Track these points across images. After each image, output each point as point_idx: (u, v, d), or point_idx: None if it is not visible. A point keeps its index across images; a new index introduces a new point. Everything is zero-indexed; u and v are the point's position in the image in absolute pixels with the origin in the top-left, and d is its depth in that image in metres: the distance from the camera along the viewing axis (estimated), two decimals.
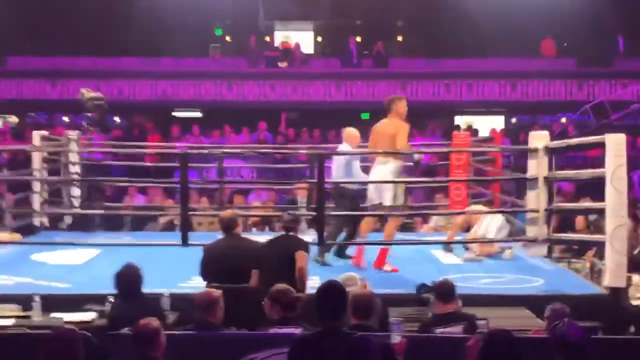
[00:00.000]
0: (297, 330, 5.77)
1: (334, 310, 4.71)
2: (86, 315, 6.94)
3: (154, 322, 5.03)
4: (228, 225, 7.24)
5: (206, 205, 13.14)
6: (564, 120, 21.00)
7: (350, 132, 9.88)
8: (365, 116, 22.22)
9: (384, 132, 8.98)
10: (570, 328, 4.75)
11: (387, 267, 8.84)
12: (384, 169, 8.84)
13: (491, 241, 9.56)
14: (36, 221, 11.65)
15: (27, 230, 11.53)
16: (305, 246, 7.38)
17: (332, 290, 4.84)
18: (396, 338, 5.25)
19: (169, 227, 12.35)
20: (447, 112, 21.72)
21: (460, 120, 21.73)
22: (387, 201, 8.80)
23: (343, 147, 9.83)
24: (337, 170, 9.57)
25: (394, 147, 8.76)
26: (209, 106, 21.87)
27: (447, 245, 9.99)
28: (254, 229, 12.70)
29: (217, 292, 6.00)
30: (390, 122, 9.01)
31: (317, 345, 4.65)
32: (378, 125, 9.19)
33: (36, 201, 11.70)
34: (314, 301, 4.84)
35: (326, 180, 9.14)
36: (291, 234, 7.50)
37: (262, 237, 9.18)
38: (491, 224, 9.69)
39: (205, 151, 12.20)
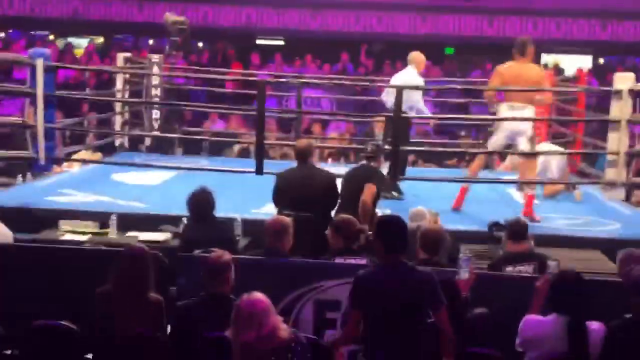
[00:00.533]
0: (362, 261, 5.80)
1: (393, 244, 4.70)
2: (160, 235, 7.08)
3: (226, 256, 5.06)
4: (302, 154, 7.23)
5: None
6: None
7: (416, 55, 9.82)
8: (449, 51, 21.93)
9: (529, 78, 8.51)
10: None
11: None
12: (527, 113, 8.52)
13: (570, 183, 9.41)
14: (117, 142, 11.86)
15: (108, 150, 11.76)
16: (379, 178, 7.34)
17: (390, 225, 4.82)
18: (464, 274, 5.23)
19: (246, 154, 12.43)
20: (534, 50, 21.26)
21: (548, 58, 21.25)
22: (522, 145, 8.58)
23: (408, 70, 9.75)
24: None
25: (536, 95, 8.47)
26: (291, 35, 21.79)
27: (520, 185, 9.82)
28: (329, 160, 12.72)
29: (288, 220, 6.02)
30: (534, 67, 8.71)
31: (378, 278, 4.66)
32: (515, 66, 8.58)
33: (117, 122, 11.91)
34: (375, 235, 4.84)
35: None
36: (372, 164, 7.47)
37: (337, 169, 9.27)
38: (551, 163, 9.53)
39: (283, 80, 12.19)
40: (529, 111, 8.44)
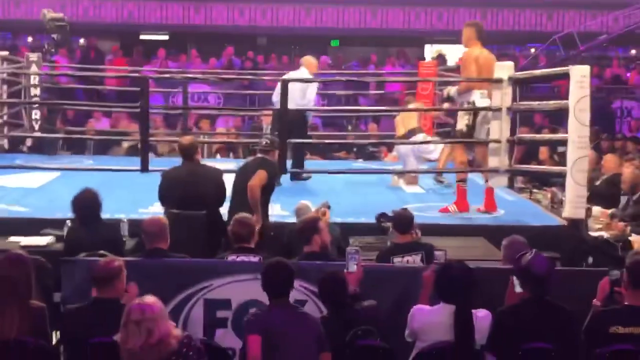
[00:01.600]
0: (255, 259, 5.77)
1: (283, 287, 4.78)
2: (43, 240, 6.88)
3: (116, 261, 4.94)
4: (187, 151, 7.15)
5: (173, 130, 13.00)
6: (532, 50, 20.95)
7: (308, 58, 10.27)
8: (335, 43, 22.04)
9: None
10: (537, 259, 4.77)
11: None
12: None
13: (460, 171, 9.56)
14: None
15: None
16: (269, 166, 7.22)
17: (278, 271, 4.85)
18: (352, 267, 5.25)
19: (134, 151, 12.21)
20: (417, 40, 21.55)
21: (430, 49, 21.58)
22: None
23: (300, 72, 10.09)
24: (292, 94, 9.39)
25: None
26: (175, 29, 21.54)
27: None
28: (218, 155, 12.63)
29: (164, 219, 5.97)
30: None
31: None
32: (487, 53, 8.57)
33: None
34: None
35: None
36: (267, 157, 7.39)
37: (226, 164, 9.20)
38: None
39: (167, 75, 12.04)
40: None
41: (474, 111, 8.32)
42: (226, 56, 18.55)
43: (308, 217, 6.37)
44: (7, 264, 4.84)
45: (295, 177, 9.74)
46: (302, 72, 10.12)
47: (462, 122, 8.48)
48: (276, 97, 9.63)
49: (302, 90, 9.67)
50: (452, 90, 8.68)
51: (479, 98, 8.30)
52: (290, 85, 9.18)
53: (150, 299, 4.04)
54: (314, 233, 5.93)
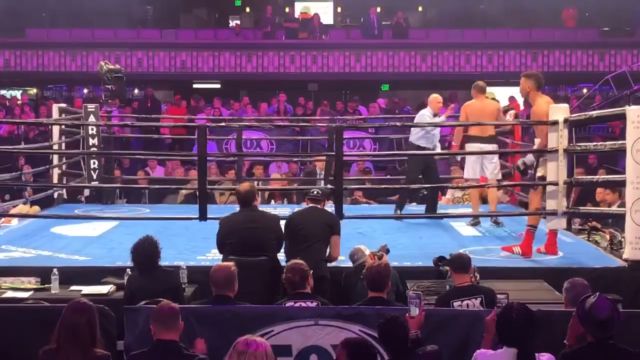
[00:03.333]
0: (313, 304, 5.78)
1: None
2: (104, 288, 6.96)
3: (173, 304, 5.04)
4: (246, 198, 7.20)
5: (229, 177, 13.09)
6: (585, 91, 20.83)
7: (431, 97, 10.64)
8: (385, 87, 22.16)
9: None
10: (599, 302, 4.70)
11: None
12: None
13: (511, 215, 9.51)
14: (55, 194, 11.68)
15: (47, 202, 11.57)
16: (338, 228, 7.40)
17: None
18: (414, 311, 5.22)
19: (190, 199, 12.33)
20: (468, 83, 21.53)
21: None
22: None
23: (425, 111, 10.55)
24: (415, 134, 10.42)
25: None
26: (228, 78, 21.82)
27: (473, 219, 9.97)
28: (272, 202, 12.69)
29: (233, 267, 6.01)
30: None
31: None
32: (548, 100, 8.61)
33: (55, 174, 11.74)
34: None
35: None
36: (319, 207, 7.49)
37: (281, 210, 9.24)
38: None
39: (223, 124, 12.18)
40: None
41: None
42: (278, 102, 18.73)
43: (382, 264, 6.29)
44: (72, 312, 4.91)
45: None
46: (426, 111, 10.51)
47: (540, 170, 8.41)
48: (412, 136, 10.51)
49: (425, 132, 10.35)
50: (528, 159, 8.64)
51: None
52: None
53: (258, 338, 4.38)
54: (387, 280, 5.95)
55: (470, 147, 9.92)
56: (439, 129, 10.53)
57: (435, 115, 10.38)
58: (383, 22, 22.00)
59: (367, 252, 7.16)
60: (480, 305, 6.09)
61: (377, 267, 6.04)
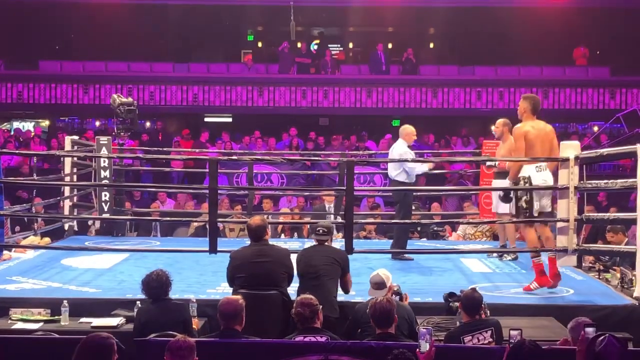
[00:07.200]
0: (322, 339, 5.77)
1: None
2: (113, 320, 6.96)
3: (188, 340, 5.06)
4: (256, 233, 7.21)
5: (238, 211, 13.11)
6: (596, 128, 20.85)
7: (405, 128, 10.36)
8: (396, 123, 22.21)
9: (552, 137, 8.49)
10: (609, 344, 4.68)
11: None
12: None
13: (521, 251, 9.48)
14: (66, 225, 11.71)
15: (57, 234, 11.60)
16: (348, 265, 7.44)
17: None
18: (424, 347, 5.21)
19: (201, 232, 12.36)
20: (479, 120, 21.63)
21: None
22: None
23: (399, 143, 10.26)
24: (394, 170, 10.06)
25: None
26: (239, 111, 21.93)
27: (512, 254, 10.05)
28: (282, 235, 12.70)
29: (241, 300, 6.01)
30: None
31: None
32: (541, 125, 8.46)
33: (66, 206, 11.78)
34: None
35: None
36: (326, 244, 7.50)
37: (291, 244, 9.24)
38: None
39: (235, 157, 12.22)
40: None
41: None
42: (289, 137, 18.76)
43: (385, 300, 6.26)
44: (89, 346, 4.90)
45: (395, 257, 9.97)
46: (400, 143, 10.27)
47: (520, 200, 8.37)
48: (393, 170, 10.14)
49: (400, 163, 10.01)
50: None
51: (534, 172, 8.27)
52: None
53: None
54: (394, 314, 5.96)
55: (498, 183, 9.86)
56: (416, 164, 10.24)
57: (408, 147, 10.27)
58: (393, 58, 22.11)
59: (390, 277, 7.09)
60: (491, 338, 6.10)
61: (381, 304, 6.01)
